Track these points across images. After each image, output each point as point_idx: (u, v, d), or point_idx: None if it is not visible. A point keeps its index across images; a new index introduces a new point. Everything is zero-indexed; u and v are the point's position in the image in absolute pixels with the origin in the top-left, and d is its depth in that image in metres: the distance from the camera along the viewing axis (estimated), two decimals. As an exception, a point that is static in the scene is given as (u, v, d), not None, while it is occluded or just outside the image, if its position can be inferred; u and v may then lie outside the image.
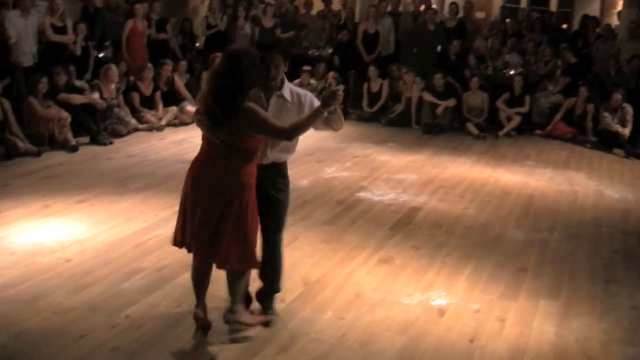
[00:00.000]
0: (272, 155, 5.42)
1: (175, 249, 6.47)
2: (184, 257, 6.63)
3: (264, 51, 5.22)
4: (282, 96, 5.33)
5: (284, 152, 5.48)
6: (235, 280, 5.44)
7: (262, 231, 5.55)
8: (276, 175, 5.54)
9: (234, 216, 5.19)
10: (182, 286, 6.22)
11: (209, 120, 5.10)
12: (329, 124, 5.35)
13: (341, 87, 5.07)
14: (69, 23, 13.01)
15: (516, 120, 14.40)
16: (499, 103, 14.61)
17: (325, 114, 5.08)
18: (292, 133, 5.13)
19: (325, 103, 5.03)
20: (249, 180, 5.22)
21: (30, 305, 5.77)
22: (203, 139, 5.29)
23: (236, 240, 5.24)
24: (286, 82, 5.40)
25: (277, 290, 5.84)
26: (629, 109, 13.55)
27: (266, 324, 5.69)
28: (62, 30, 12.82)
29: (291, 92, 5.38)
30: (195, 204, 5.23)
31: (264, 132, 5.11)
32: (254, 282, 5.83)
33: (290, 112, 5.31)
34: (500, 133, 14.19)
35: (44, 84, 11.11)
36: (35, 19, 12.58)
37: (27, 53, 12.38)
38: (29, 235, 7.36)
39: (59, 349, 5.18)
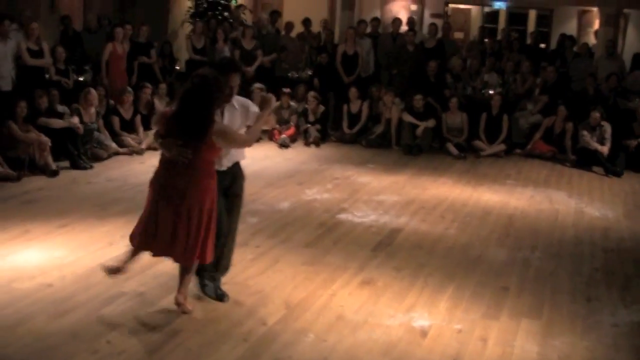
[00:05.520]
0: (228, 161, 6.31)
1: (156, 273, 6.55)
2: (165, 280, 6.67)
3: (225, 73, 6.03)
4: (232, 105, 6.23)
5: (238, 156, 6.43)
6: (188, 270, 6.16)
7: (229, 223, 6.52)
8: (236, 174, 6.47)
9: (198, 218, 5.91)
10: (163, 310, 6.23)
11: (181, 137, 5.76)
12: (265, 123, 6.48)
13: (272, 95, 6.45)
14: (46, 47, 12.97)
15: (500, 146, 14.47)
16: (480, 135, 14.67)
17: (265, 117, 6.25)
18: (251, 139, 6.20)
19: (262, 108, 6.26)
20: (211, 186, 5.97)
21: (11, 332, 5.73)
22: (162, 154, 6.01)
23: (197, 239, 5.96)
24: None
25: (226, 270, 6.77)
26: (607, 127, 13.65)
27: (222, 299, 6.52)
28: (38, 54, 12.78)
29: (237, 100, 6.29)
30: (166, 210, 5.91)
31: (233, 144, 6.07)
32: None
33: (240, 117, 6.28)
34: (483, 154, 14.26)
35: (22, 108, 11.06)
36: (14, 43, 12.50)
37: (6, 77, 12.29)
38: (8, 260, 7.30)
39: (39, 375, 5.15)
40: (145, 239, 6.06)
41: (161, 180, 5.94)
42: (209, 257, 6.13)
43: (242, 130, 6.29)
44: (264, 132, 13.74)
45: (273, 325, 6.14)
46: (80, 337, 5.71)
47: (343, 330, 6.11)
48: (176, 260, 6.10)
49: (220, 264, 6.57)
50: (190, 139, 5.75)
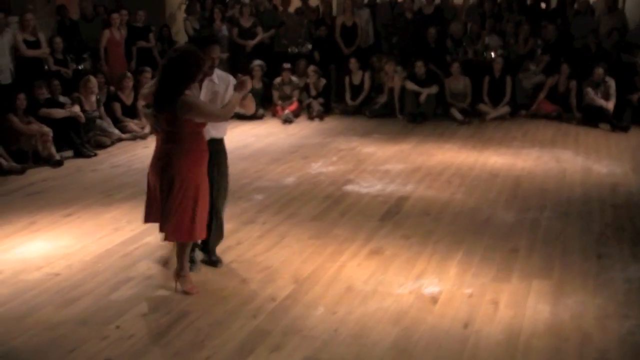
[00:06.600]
0: (208, 135, 6.22)
1: (163, 256, 6.49)
2: (172, 263, 6.62)
3: (204, 46, 6.08)
4: (212, 80, 6.29)
5: (216, 132, 6.38)
6: (183, 248, 6.19)
7: (211, 199, 6.28)
8: (214, 151, 6.30)
9: (179, 193, 5.88)
10: (171, 292, 6.20)
11: (154, 108, 5.92)
12: (243, 107, 6.46)
13: (248, 78, 6.31)
14: (42, 37, 12.92)
15: (505, 109, 14.41)
16: (484, 99, 14.60)
17: (240, 97, 6.16)
18: (225, 114, 6.10)
19: (237, 89, 6.18)
20: (198, 160, 5.97)
21: (19, 323, 5.72)
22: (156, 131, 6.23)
23: (182, 215, 5.94)
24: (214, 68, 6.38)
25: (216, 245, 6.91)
26: (612, 83, 13.56)
27: (215, 264, 6.80)
28: (35, 45, 12.73)
29: (218, 76, 6.35)
30: (155, 185, 6.00)
31: (205, 118, 5.93)
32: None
33: (220, 92, 6.31)
34: (488, 117, 14.19)
35: (22, 100, 11.03)
36: (10, 35, 12.45)
37: (4, 71, 12.25)
38: (15, 253, 7.29)
39: (49, 365, 5.13)
40: (149, 211, 6.19)
41: (156, 154, 6.02)
42: (201, 234, 6.16)
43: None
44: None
45: (282, 300, 6.12)
46: (90, 324, 5.70)
47: (353, 301, 6.08)
48: (166, 236, 6.11)
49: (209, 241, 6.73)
50: (162, 111, 5.82)
